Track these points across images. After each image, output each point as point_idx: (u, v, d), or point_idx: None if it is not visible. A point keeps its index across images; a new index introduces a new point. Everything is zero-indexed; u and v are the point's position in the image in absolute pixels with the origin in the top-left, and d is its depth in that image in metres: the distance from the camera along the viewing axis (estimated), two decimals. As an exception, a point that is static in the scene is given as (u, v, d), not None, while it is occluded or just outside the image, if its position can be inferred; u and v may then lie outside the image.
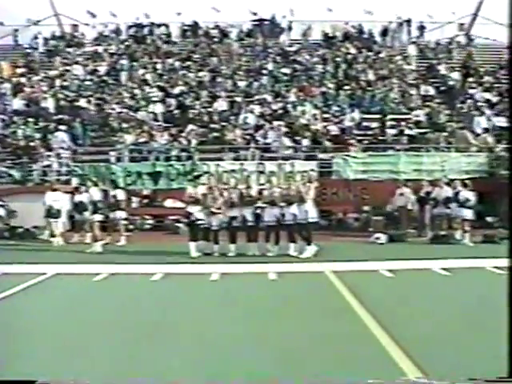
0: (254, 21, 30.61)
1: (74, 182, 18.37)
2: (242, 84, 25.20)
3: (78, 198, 15.80)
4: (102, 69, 26.79)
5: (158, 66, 26.89)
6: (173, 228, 17.50)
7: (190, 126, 21.46)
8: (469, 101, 23.61)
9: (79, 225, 16.18)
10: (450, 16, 31.00)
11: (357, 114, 22.50)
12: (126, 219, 16.05)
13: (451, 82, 25.57)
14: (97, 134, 22.42)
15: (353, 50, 27.90)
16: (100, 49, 28.77)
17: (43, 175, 18.85)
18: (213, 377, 5.38)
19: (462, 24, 31.49)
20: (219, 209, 13.27)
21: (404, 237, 15.94)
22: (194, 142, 20.62)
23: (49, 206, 15.69)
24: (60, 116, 22.63)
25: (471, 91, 24.48)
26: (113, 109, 23.03)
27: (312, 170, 18.24)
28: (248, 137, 20.93)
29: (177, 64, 27.03)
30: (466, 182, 15.92)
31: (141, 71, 26.29)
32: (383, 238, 15.54)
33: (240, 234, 13.43)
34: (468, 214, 15.25)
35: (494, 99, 23.42)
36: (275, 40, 29.78)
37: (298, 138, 20.63)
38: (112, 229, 15.76)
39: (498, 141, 19.61)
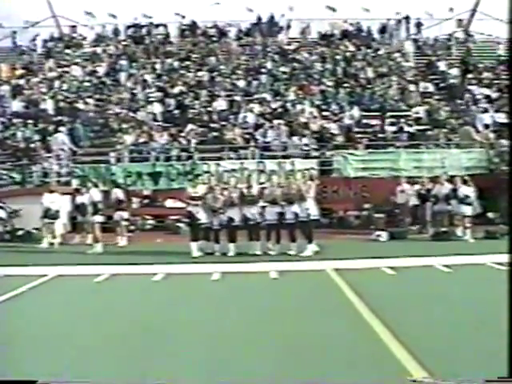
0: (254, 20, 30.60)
1: (75, 183, 18.38)
2: (241, 83, 25.19)
3: (78, 199, 15.79)
4: (101, 70, 26.79)
5: (157, 66, 26.89)
6: (173, 228, 17.48)
7: (190, 126, 21.46)
8: (467, 95, 23.61)
9: (80, 226, 16.19)
10: (449, 12, 30.99)
11: (356, 112, 22.48)
12: (126, 219, 16.03)
13: (450, 79, 25.55)
14: (96, 134, 22.43)
15: (351, 48, 27.88)
16: (99, 50, 28.77)
17: (43, 177, 18.82)
18: (215, 376, 5.38)
19: (460, 20, 31.43)
20: (220, 208, 13.27)
21: (405, 234, 15.93)
22: (193, 141, 20.61)
23: (46, 208, 15.67)
24: (59, 117, 22.62)
25: (470, 87, 24.45)
26: (112, 109, 23.03)
27: (312, 169, 18.22)
28: (248, 136, 20.93)
29: (176, 64, 27.03)
30: (466, 178, 15.93)
31: (140, 71, 26.28)
32: (384, 235, 15.54)
33: (241, 233, 13.42)
34: (468, 210, 15.25)
35: (494, 95, 23.39)
36: (274, 39, 29.74)
37: (297, 136, 20.62)
38: (113, 229, 15.75)
39: (499, 137, 19.59)
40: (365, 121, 22.23)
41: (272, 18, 30.77)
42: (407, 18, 30.38)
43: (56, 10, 31.96)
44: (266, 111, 22.72)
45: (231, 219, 13.26)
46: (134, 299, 9.09)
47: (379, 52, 27.71)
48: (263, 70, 26.04)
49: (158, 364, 5.75)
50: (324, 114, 22.42)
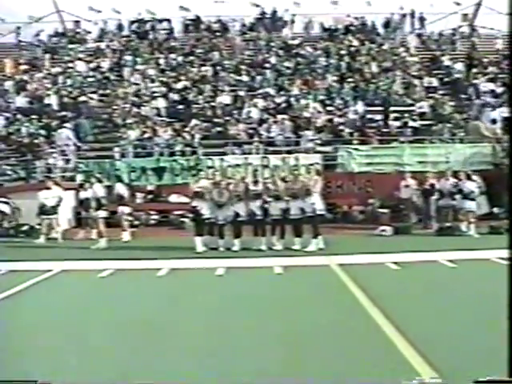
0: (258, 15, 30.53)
1: (79, 178, 18.40)
2: (245, 78, 25.15)
3: (82, 194, 15.82)
4: (105, 65, 26.77)
5: (161, 61, 26.87)
6: (178, 223, 17.50)
7: (194, 121, 21.44)
8: (470, 90, 23.53)
9: (84, 221, 16.21)
10: (454, 6, 30.83)
11: (360, 107, 22.42)
12: (129, 214, 16.02)
13: (455, 73, 25.45)
14: (100, 130, 22.45)
15: (356, 43, 27.79)
16: (102, 45, 28.75)
17: (47, 172, 18.85)
18: (220, 369, 5.38)
19: (465, 14, 31.28)
20: (225, 203, 13.26)
21: (410, 229, 15.90)
22: (197, 136, 20.60)
23: (41, 204, 15.69)
24: (64, 113, 22.64)
25: (475, 81, 24.35)
26: (116, 105, 23.04)
27: (317, 163, 18.17)
28: (251, 131, 20.91)
29: (179, 59, 27.00)
30: (470, 173, 15.88)
31: (143, 67, 26.27)
32: (389, 230, 15.52)
33: (245, 228, 13.40)
34: (472, 205, 15.22)
35: (499, 90, 23.29)
36: (278, 33, 29.68)
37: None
38: (117, 224, 15.75)
39: (505, 131, 19.49)
40: (369, 116, 22.17)
41: (276, 12, 30.69)
42: (412, 13, 30.29)
43: (60, 6, 31.96)
44: (269, 106, 22.70)
45: (237, 214, 13.25)
46: (138, 294, 9.09)
47: (383, 47, 27.61)
48: (267, 65, 25.98)
49: (162, 359, 5.75)
50: (328, 108, 22.37)
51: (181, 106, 23.16)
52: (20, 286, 9.54)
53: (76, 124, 21.48)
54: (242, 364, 5.58)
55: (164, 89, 24.31)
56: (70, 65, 26.81)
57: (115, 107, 22.88)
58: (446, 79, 25.40)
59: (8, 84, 25.03)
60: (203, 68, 25.98)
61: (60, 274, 10.89)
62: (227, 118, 21.71)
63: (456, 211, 15.67)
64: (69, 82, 25.41)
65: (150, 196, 19.16)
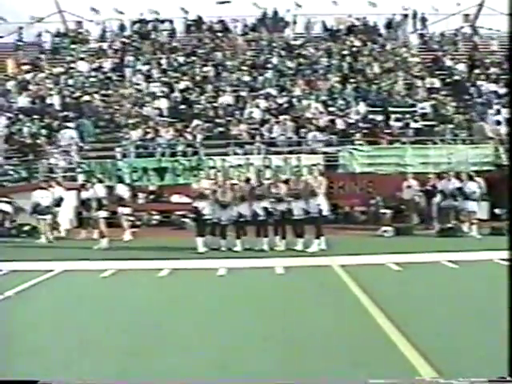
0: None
1: (81, 178, 18.42)
2: (246, 78, 25.15)
3: (84, 194, 15.84)
4: (107, 65, 26.80)
5: (163, 62, 26.87)
6: (179, 223, 17.51)
7: (196, 121, 21.45)
8: (472, 90, 23.51)
9: (86, 221, 16.22)
10: (455, 7, 30.80)
11: (362, 107, 22.42)
12: (129, 215, 16.02)
13: (457, 74, 25.43)
14: (102, 130, 22.45)
15: (357, 43, 27.79)
16: (105, 45, 28.79)
17: (49, 172, 18.86)
18: (221, 369, 5.38)
19: (467, 15, 31.25)
20: (229, 203, 13.26)
21: (411, 230, 15.89)
22: (199, 137, 20.61)
23: (35, 203, 15.68)
24: (66, 113, 22.66)
25: (478, 83, 24.33)
26: (118, 105, 23.05)
27: (319, 164, 18.14)
28: (253, 131, 20.91)
29: (181, 59, 27.00)
30: (471, 174, 15.87)
31: (145, 67, 26.28)
32: (390, 231, 15.51)
33: (248, 228, 13.40)
34: (473, 206, 15.20)
35: (501, 91, 23.27)
36: (280, 34, 29.67)
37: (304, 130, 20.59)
38: (119, 225, 15.76)
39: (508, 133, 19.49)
40: (371, 116, 22.15)
41: (277, 13, 30.68)
42: (414, 14, 30.27)
43: (62, 6, 31.99)
44: (271, 106, 22.69)
45: (241, 214, 13.25)
46: (140, 294, 9.09)
47: (385, 47, 27.60)
48: (269, 66, 25.99)
49: (162, 359, 5.76)
50: (330, 109, 22.37)
51: (183, 107, 23.16)
52: (21, 286, 9.53)
53: (79, 124, 21.51)
54: (242, 364, 5.58)
55: (166, 89, 24.32)
56: (72, 65, 26.85)
57: (117, 107, 22.89)
58: (447, 80, 25.37)
59: (10, 84, 25.08)
60: (205, 68, 26.00)
61: (62, 273, 10.89)
62: (229, 118, 21.72)
63: (458, 212, 15.65)
64: (71, 82, 25.44)
65: (151, 196, 19.19)
